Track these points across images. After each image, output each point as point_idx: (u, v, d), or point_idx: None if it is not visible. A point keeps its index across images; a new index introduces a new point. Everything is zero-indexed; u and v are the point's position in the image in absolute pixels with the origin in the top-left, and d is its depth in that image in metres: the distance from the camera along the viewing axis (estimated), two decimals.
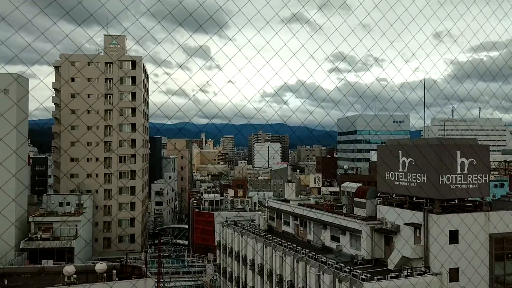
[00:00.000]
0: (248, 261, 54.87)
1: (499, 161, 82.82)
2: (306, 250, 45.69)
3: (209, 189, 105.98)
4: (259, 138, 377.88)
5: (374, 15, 19.12)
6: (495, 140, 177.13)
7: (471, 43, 21.26)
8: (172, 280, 71.06)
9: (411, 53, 19.29)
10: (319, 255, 43.41)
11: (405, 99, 20.10)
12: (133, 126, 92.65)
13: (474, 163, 40.13)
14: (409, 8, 18.61)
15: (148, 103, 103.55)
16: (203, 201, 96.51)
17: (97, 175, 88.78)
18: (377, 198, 46.26)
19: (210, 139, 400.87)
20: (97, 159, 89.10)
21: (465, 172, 39.80)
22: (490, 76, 22.20)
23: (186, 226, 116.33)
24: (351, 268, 38.65)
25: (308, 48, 18.54)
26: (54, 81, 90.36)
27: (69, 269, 43.54)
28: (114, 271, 46.28)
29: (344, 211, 49.81)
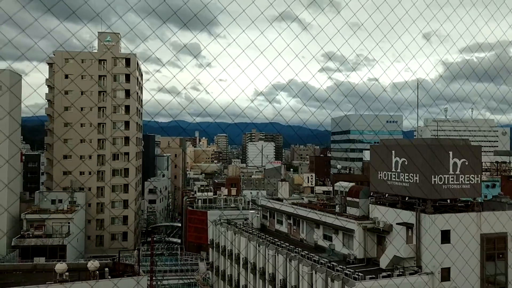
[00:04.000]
0: (241, 259, 54.91)
1: (491, 162, 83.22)
2: (299, 249, 45.80)
3: (202, 188, 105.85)
4: (253, 137, 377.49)
5: (367, 16, 19.20)
6: (487, 141, 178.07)
7: (465, 43, 21.40)
8: (164, 278, 70.99)
9: (404, 53, 19.41)
10: (311, 254, 43.54)
11: (405, 100, 20.21)
12: (127, 124, 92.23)
13: (466, 163, 40.36)
14: (403, 9, 18.70)
15: (142, 100, 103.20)
16: (196, 200, 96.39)
17: (90, 173, 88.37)
18: (370, 198, 46.44)
19: (204, 137, 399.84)
20: (90, 157, 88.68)
21: (458, 172, 40.01)
22: (483, 76, 22.34)
23: (179, 224, 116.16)
24: (344, 267, 38.79)
25: (304, 48, 18.59)
26: (47, 77, 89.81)
27: (61, 266, 43.29)
28: (107, 269, 46.16)
29: (337, 210, 49.96)
